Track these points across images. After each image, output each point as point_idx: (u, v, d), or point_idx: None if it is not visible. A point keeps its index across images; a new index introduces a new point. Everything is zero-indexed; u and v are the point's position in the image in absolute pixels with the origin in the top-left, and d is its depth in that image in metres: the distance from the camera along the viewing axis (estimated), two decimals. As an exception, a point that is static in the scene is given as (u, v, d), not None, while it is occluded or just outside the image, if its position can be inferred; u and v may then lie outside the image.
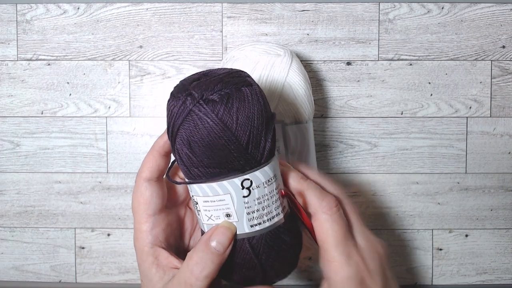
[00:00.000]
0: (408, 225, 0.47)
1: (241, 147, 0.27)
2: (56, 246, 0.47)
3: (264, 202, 0.29)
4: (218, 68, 0.29)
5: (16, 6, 0.46)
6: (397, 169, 0.47)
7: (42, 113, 0.47)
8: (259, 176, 0.28)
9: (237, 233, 0.29)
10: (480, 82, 0.46)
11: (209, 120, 0.26)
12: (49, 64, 0.46)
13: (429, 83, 0.46)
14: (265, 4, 0.46)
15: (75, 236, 0.47)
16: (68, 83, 0.47)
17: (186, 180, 0.29)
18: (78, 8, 0.46)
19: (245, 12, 0.46)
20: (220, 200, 0.28)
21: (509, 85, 0.46)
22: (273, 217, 0.29)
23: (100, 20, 0.46)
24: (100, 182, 0.47)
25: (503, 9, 0.46)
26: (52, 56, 0.46)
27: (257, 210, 0.28)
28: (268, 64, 0.39)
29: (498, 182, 0.47)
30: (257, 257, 0.29)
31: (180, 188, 0.34)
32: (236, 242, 0.29)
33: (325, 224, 0.29)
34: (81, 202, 0.47)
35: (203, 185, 0.28)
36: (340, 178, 0.47)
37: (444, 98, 0.46)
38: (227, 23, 0.46)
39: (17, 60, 0.47)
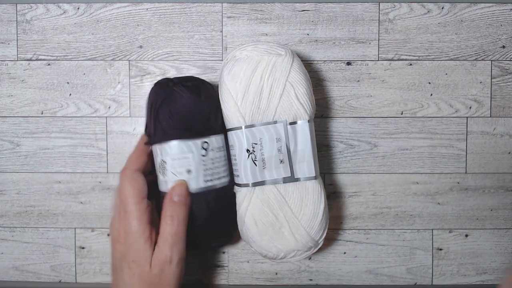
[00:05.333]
0: (408, 225, 0.47)
1: (205, 118, 0.38)
2: (56, 246, 0.47)
3: (216, 163, 0.39)
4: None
5: (16, 6, 0.46)
6: (397, 169, 0.47)
7: (42, 113, 0.47)
8: (214, 141, 0.39)
9: (195, 187, 0.38)
10: (480, 82, 0.46)
11: (185, 96, 0.37)
12: (49, 64, 0.46)
13: (429, 83, 0.46)
14: (265, 4, 0.46)
15: (75, 236, 0.47)
16: (68, 83, 0.47)
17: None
18: (78, 8, 0.46)
19: (245, 12, 0.46)
20: (185, 158, 0.37)
21: (509, 85, 0.46)
22: (220, 178, 0.39)
23: (100, 20, 0.46)
24: (100, 182, 0.47)
25: (503, 9, 0.46)
26: (52, 56, 0.46)
27: (211, 169, 0.38)
28: (270, 64, 0.39)
29: (498, 182, 0.47)
30: (209, 208, 0.38)
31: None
32: (193, 195, 0.38)
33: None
34: (81, 202, 0.47)
35: (175, 144, 0.37)
36: (340, 178, 0.47)
37: (444, 98, 0.46)
38: (227, 23, 0.46)
39: (17, 60, 0.47)
